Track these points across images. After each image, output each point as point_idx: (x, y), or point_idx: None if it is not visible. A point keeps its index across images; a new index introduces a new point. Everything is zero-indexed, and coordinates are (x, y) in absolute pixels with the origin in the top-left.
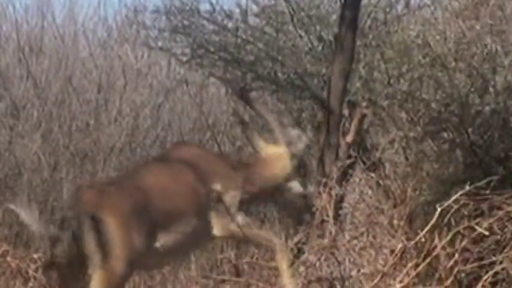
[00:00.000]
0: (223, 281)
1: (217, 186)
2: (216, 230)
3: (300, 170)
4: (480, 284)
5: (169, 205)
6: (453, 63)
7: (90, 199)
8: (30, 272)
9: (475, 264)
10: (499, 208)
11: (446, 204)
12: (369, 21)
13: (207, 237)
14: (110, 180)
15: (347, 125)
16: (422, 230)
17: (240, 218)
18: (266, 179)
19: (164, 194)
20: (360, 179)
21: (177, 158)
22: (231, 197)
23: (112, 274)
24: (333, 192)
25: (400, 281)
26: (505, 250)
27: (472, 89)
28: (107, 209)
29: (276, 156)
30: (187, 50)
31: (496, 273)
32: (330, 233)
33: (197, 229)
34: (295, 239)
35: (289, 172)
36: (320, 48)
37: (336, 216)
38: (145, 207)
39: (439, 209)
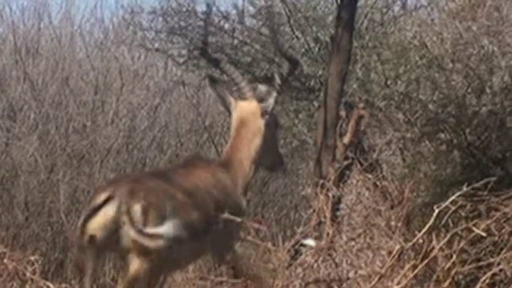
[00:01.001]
0: (221, 282)
1: (226, 215)
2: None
3: (272, 126)
4: (478, 286)
5: (191, 220)
6: (450, 64)
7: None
8: (28, 274)
9: (473, 265)
10: (497, 209)
11: (443, 205)
12: (365, 22)
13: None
14: (145, 179)
15: (344, 126)
16: (419, 231)
17: (240, 250)
18: (251, 150)
19: (188, 209)
20: (357, 181)
21: (196, 182)
22: (236, 226)
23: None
24: (330, 194)
25: (398, 283)
26: (503, 251)
27: (469, 90)
28: (148, 204)
29: (248, 113)
30: (184, 51)
31: (494, 274)
32: (327, 234)
33: (206, 249)
34: (293, 241)
35: (262, 129)
36: (317, 49)
37: (333, 218)
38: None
39: (436, 210)
